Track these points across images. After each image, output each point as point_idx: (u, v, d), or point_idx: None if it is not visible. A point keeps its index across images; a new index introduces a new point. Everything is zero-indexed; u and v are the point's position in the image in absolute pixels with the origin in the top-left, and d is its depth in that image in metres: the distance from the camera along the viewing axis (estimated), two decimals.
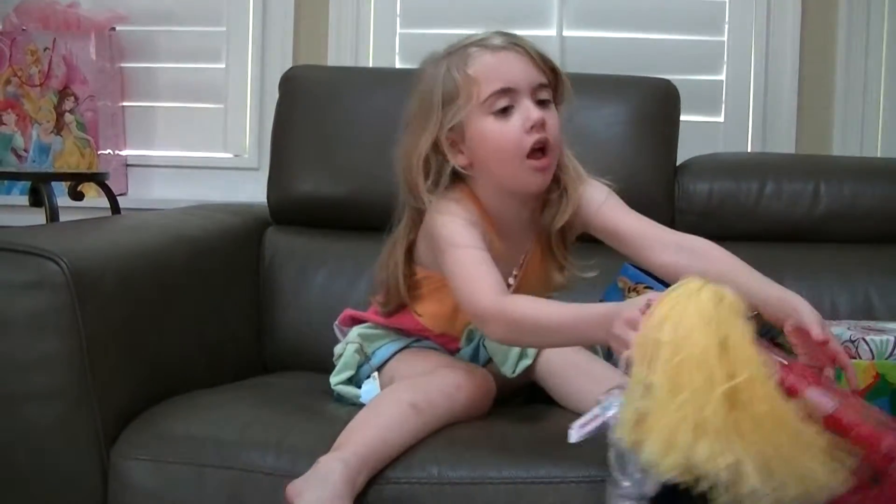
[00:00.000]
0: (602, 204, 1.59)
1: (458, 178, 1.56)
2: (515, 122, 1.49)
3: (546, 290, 1.62)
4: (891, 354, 1.60)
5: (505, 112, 1.49)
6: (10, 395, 1.45)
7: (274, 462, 1.40)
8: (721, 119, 2.54)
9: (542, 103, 1.51)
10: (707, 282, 1.16)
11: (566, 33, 2.54)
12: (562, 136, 1.55)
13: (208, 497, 1.40)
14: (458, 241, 1.47)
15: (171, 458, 1.43)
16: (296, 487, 1.29)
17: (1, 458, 1.46)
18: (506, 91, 1.49)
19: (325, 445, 1.39)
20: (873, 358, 1.60)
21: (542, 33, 2.53)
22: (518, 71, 1.50)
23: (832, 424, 1.18)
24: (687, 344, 1.11)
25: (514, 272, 1.59)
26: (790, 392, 1.18)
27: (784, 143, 2.50)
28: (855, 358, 1.61)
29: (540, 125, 1.48)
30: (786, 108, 2.51)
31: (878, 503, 1.19)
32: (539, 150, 1.50)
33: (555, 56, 2.45)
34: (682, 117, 2.19)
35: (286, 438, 1.43)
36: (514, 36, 1.55)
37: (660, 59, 2.49)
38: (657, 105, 2.14)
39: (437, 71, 1.52)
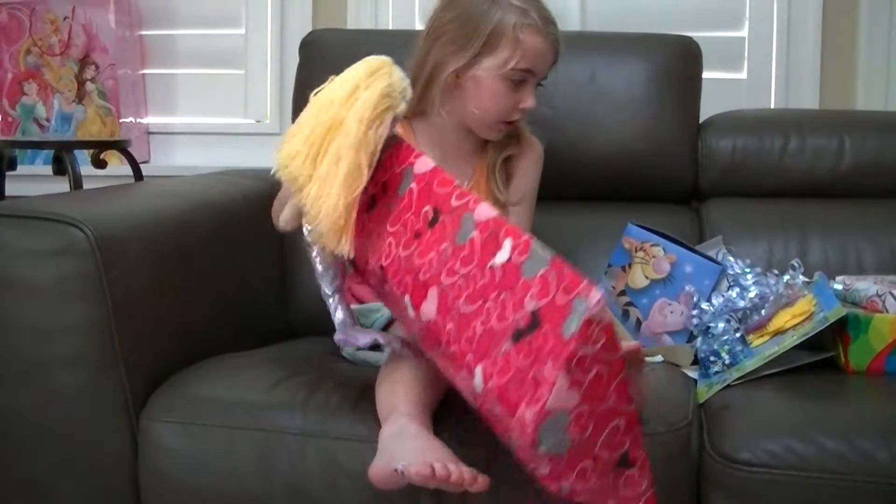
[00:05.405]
0: (526, 158, 1.83)
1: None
2: (515, 98, 1.70)
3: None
4: None
5: (514, 84, 1.68)
6: (38, 361, 1.46)
7: (301, 422, 1.41)
8: (744, 76, 2.52)
9: (537, 86, 1.74)
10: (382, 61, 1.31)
11: None
12: None
13: (238, 457, 1.42)
14: None
15: (199, 420, 1.45)
16: (381, 464, 1.22)
17: (31, 423, 1.49)
18: (528, 71, 1.69)
19: (351, 406, 1.40)
20: None
21: None
22: (545, 63, 1.71)
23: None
24: (324, 96, 1.31)
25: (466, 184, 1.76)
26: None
27: (807, 99, 2.48)
28: (881, 312, 1.61)
29: (527, 111, 1.72)
30: (809, 63, 2.48)
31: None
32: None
33: (575, 14, 2.47)
34: (705, 74, 2.17)
35: (312, 399, 1.44)
36: (557, 31, 1.71)
37: (681, 16, 2.47)
38: (679, 62, 2.12)
39: (492, 9, 1.66)
